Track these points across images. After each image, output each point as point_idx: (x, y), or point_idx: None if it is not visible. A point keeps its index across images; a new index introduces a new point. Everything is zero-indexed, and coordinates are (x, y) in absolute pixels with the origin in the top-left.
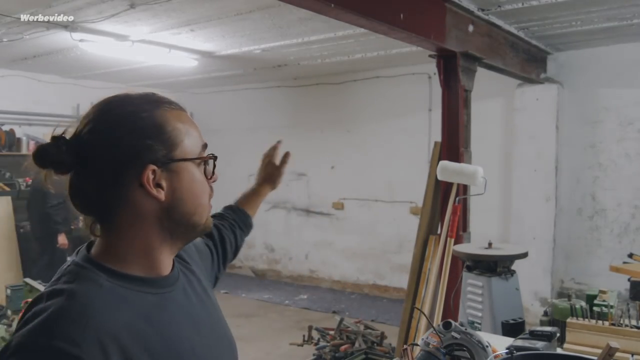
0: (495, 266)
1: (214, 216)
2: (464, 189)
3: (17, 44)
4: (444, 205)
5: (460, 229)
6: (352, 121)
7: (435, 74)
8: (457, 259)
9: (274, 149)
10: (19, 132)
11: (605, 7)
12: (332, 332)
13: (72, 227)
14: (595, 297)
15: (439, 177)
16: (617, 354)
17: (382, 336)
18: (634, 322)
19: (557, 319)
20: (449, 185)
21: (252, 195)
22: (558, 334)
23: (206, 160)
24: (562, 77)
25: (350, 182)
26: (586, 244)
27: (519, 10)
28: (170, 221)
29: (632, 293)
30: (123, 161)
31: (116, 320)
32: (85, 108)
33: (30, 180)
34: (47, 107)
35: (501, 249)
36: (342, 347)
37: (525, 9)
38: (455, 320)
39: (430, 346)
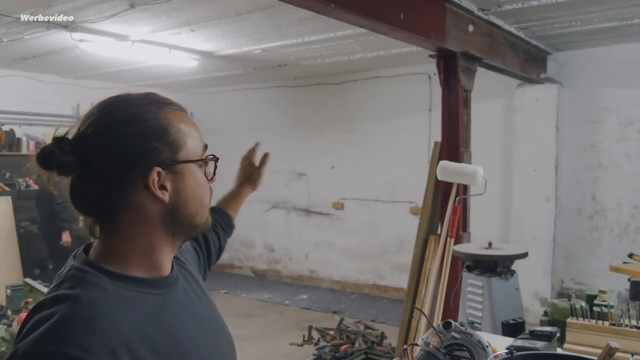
0: (495, 266)
1: None
2: (464, 189)
3: (17, 44)
4: (444, 205)
5: (460, 229)
6: (352, 121)
7: (435, 74)
8: (457, 259)
9: (252, 150)
10: (19, 132)
11: (605, 7)
12: (332, 332)
13: (74, 226)
14: (595, 297)
15: (439, 177)
16: (617, 354)
17: (382, 336)
18: (634, 322)
19: (557, 319)
20: (449, 185)
21: (233, 197)
22: (558, 334)
23: (206, 161)
24: (562, 77)
25: (350, 182)
26: (586, 244)
27: (519, 10)
28: (173, 222)
29: (632, 293)
30: (128, 163)
31: (123, 323)
32: (85, 108)
33: (35, 179)
34: (47, 107)
35: (501, 249)
36: (342, 347)
37: (525, 9)
38: (455, 320)
39: (430, 346)
